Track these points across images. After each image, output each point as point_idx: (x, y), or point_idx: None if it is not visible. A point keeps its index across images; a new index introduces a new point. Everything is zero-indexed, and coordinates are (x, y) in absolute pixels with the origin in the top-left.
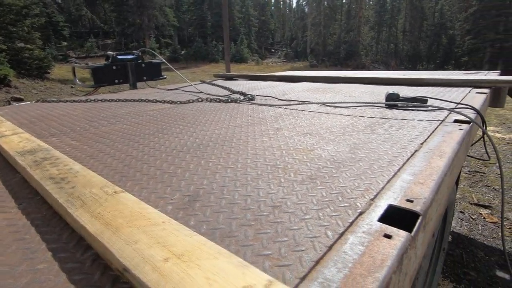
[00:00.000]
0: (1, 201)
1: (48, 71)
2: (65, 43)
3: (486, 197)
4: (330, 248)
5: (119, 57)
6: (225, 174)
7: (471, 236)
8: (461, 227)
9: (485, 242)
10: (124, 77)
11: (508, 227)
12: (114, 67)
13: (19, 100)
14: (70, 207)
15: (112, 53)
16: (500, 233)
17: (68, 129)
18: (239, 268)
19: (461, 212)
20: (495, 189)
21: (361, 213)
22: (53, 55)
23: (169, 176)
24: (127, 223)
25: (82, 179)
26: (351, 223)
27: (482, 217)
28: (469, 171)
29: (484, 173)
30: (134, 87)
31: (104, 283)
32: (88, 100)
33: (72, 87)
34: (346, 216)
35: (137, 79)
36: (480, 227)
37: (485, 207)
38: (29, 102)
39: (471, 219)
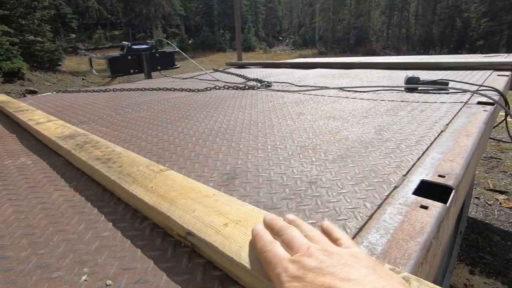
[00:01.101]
0: (53, 180)
1: (59, 63)
2: (74, 35)
3: (503, 183)
4: (370, 217)
5: (134, 47)
6: (257, 155)
7: (487, 221)
8: (476, 212)
9: (501, 227)
10: (139, 66)
11: None
12: (129, 57)
13: (33, 92)
14: (124, 183)
15: (127, 43)
16: None
17: (95, 117)
18: None
19: (477, 197)
20: (511, 175)
21: (395, 187)
22: (63, 48)
23: (204, 157)
24: (180, 195)
25: (126, 159)
26: (388, 196)
27: (498, 203)
28: (484, 157)
29: (500, 159)
30: (149, 76)
31: (166, 247)
32: (107, 89)
33: (83, 79)
34: (381, 190)
35: (151, 68)
36: (496, 212)
37: (501, 192)
38: (50, 93)
39: (486, 205)
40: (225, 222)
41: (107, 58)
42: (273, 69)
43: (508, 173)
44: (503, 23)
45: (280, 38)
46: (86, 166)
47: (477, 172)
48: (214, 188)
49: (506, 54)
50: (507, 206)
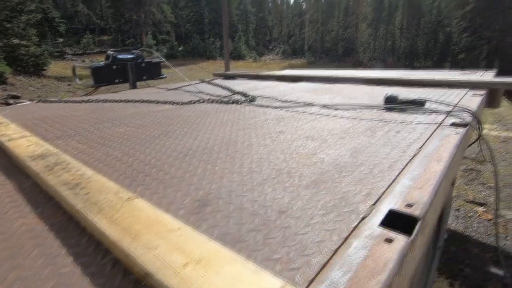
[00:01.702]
0: (18, 206)
1: (45, 68)
2: (61, 40)
3: (482, 195)
4: (335, 252)
5: (119, 56)
6: (232, 179)
7: (467, 233)
8: (457, 224)
9: (480, 239)
10: (124, 76)
11: (502, 224)
12: (114, 67)
13: (16, 97)
14: (88, 213)
15: (112, 52)
16: (494, 230)
17: (72, 132)
18: (254, 273)
19: (457, 209)
20: (490, 187)
21: (363, 218)
22: (49, 52)
23: (178, 180)
24: (145, 229)
25: (95, 184)
26: (355, 228)
27: (477, 215)
28: (465, 169)
29: (479, 171)
30: (134, 86)
31: (126, 286)
32: (90, 100)
33: (69, 85)
34: (349, 220)
35: (137, 78)
36: (475, 225)
37: (480, 204)
38: (29, 102)
39: (466, 217)
40: (186, 262)
41: (91, 67)
42: (259, 81)
43: (487, 185)
44: (483, 38)
45: (270, 47)
46: (53, 191)
47: (457, 184)
48: (185, 216)
49: (483, 71)
50: (485, 218)
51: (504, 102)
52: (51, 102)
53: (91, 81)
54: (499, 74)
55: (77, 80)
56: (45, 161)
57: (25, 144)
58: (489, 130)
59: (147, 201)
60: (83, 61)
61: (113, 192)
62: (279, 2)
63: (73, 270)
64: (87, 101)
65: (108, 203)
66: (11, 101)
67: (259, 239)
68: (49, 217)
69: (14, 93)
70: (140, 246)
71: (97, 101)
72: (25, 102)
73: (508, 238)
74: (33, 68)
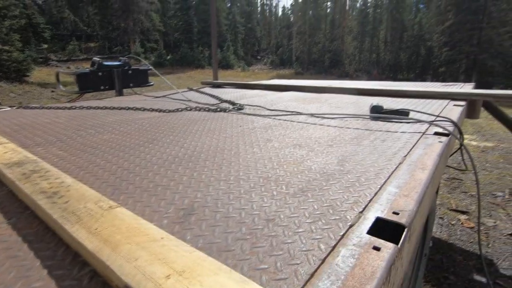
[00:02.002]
0: None
1: (28, 74)
2: (46, 46)
3: (464, 203)
4: (323, 261)
5: (106, 63)
6: (219, 187)
7: (451, 241)
8: (441, 232)
9: (463, 247)
10: (110, 83)
11: (484, 232)
12: (100, 73)
13: None
14: (66, 223)
15: (98, 59)
16: (477, 238)
17: (54, 139)
18: (239, 284)
19: (441, 217)
20: (471, 195)
21: (351, 226)
22: (32, 58)
23: (162, 189)
24: (126, 239)
25: (75, 193)
26: (342, 236)
27: (460, 223)
28: (447, 178)
29: (461, 179)
30: (120, 93)
31: None
32: (73, 107)
33: (52, 91)
34: (337, 229)
35: (123, 85)
36: (458, 232)
37: (463, 212)
38: (9, 108)
39: (450, 225)
40: (168, 274)
41: (75, 73)
42: (247, 90)
43: (469, 193)
44: (462, 52)
45: (259, 57)
46: (29, 199)
47: (440, 192)
48: (169, 226)
49: (462, 84)
50: (468, 226)
51: (483, 114)
52: (32, 108)
53: (75, 88)
54: (477, 86)
55: (61, 86)
56: (22, 169)
57: (1, 151)
58: (469, 140)
59: (130, 210)
60: (68, 67)
61: (93, 200)
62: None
63: (47, 284)
64: (71, 108)
65: (88, 212)
66: None
67: (246, 248)
68: (24, 228)
69: None
70: (119, 258)
71: (81, 107)
72: (5, 108)
73: (490, 245)
74: (15, 74)
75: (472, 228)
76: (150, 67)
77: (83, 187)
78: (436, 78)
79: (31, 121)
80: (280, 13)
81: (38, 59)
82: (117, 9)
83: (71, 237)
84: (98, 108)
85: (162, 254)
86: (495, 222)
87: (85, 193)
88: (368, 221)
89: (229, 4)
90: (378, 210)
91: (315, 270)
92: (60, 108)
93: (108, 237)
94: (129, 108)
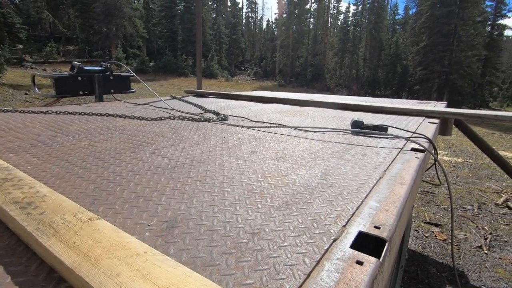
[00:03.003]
0: None
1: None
2: (21, 46)
3: (437, 216)
4: (308, 275)
5: (86, 67)
6: (203, 199)
7: (425, 253)
8: (416, 244)
9: (436, 259)
10: (90, 88)
11: (455, 244)
12: (79, 78)
13: None
14: (41, 236)
15: (78, 63)
16: (449, 250)
17: (28, 144)
18: None
19: (416, 230)
20: (444, 208)
21: (335, 240)
22: (5, 58)
23: (144, 200)
24: (106, 253)
25: (51, 203)
26: (326, 250)
27: (434, 235)
28: (421, 191)
29: (434, 193)
30: (100, 99)
31: None
32: (49, 111)
33: (26, 94)
34: (321, 243)
35: (104, 91)
36: (432, 245)
37: (436, 225)
38: None
39: (424, 237)
40: None
41: (53, 77)
42: (231, 100)
43: (441, 206)
44: (434, 72)
45: (243, 68)
46: (1, 211)
47: (415, 205)
48: (151, 239)
49: (436, 102)
50: (440, 238)
51: (453, 130)
52: (5, 111)
53: (52, 92)
54: (449, 105)
55: (36, 89)
56: None
57: None
58: (441, 155)
59: (110, 222)
60: (44, 70)
61: (71, 212)
62: (252, 26)
63: None
64: (46, 113)
65: (66, 225)
66: None
67: (231, 262)
68: None
69: None
70: (100, 273)
71: (57, 112)
72: None
73: (461, 257)
74: None
75: (444, 240)
76: (132, 73)
77: (60, 197)
78: (411, 95)
79: (3, 125)
80: (264, 26)
81: (11, 60)
82: (99, 13)
83: (46, 251)
84: (76, 113)
85: (146, 269)
86: (465, 235)
87: (62, 203)
88: (351, 235)
89: (215, 15)
90: (360, 224)
91: (301, 285)
92: (35, 112)
93: (87, 251)
94: (109, 115)
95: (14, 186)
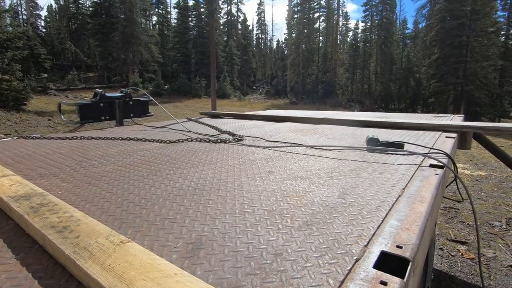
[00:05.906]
0: None
1: (25, 102)
2: (45, 75)
3: (462, 233)
4: None
5: (108, 94)
6: (225, 220)
7: (452, 273)
8: (441, 264)
9: (465, 279)
10: (111, 114)
11: (484, 263)
12: (101, 104)
13: None
14: (79, 259)
15: (100, 90)
16: (478, 270)
17: (57, 170)
18: None
19: (441, 248)
20: (469, 225)
21: (357, 260)
22: (31, 87)
23: (169, 222)
24: (140, 275)
25: (85, 227)
26: (349, 271)
27: (460, 254)
28: (444, 207)
29: (458, 209)
30: (120, 123)
31: None
32: (74, 137)
33: (49, 119)
34: (344, 263)
35: (124, 116)
36: (459, 264)
37: (462, 243)
38: (10, 138)
39: (450, 256)
40: None
41: (78, 104)
42: (245, 121)
43: (466, 223)
44: (449, 84)
45: (254, 87)
46: (39, 234)
47: (438, 222)
48: (178, 261)
49: (452, 115)
50: (468, 257)
51: (474, 143)
52: (32, 138)
53: (76, 117)
54: (466, 117)
55: (62, 117)
56: (30, 202)
57: (7, 184)
58: (462, 169)
59: (139, 244)
60: (66, 96)
61: (104, 235)
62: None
63: None
64: (71, 138)
65: (100, 248)
66: None
67: (256, 283)
68: (33, 263)
69: None
70: None
71: (82, 138)
72: (5, 138)
73: (491, 277)
74: (13, 102)
75: (472, 259)
76: (151, 98)
77: (93, 221)
78: (427, 108)
79: (33, 152)
80: (274, 46)
81: (37, 88)
82: (117, 42)
83: (84, 273)
84: (100, 138)
85: None
86: (494, 253)
87: (95, 227)
88: (373, 255)
89: (226, 38)
90: (382, 244)
91: None
92: (61, 139)
93: (122, 273)
94: (130, 139)
95: (50, 211)
